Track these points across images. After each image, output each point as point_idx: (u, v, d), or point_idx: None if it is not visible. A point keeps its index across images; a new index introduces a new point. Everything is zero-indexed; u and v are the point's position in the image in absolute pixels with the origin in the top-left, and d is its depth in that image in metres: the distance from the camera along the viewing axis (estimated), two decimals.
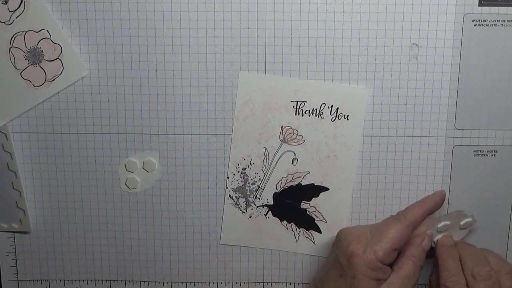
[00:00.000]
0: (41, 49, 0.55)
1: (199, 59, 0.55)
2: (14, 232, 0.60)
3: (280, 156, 0.57)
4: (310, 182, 0.57)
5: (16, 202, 0.58)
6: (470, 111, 0.55)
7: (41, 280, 0.61)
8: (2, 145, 0.57)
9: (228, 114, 0.56)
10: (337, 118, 0.56)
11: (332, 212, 0.58)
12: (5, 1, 0.54)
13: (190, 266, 0.60)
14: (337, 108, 0.56)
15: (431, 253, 0.54)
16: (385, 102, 0.55)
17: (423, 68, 0.54)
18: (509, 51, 0.54)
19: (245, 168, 0.57)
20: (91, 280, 0.61)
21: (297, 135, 0.56)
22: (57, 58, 0.55)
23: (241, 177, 0.58)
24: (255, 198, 0.58)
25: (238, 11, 0.54)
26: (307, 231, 0.59)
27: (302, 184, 0.57)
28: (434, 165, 0.56)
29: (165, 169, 0.58)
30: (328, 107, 0.56)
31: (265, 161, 0.57)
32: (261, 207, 0.58)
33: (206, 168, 0.58)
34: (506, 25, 0.53)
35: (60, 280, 0.61)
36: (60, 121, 0.57)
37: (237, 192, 0.58)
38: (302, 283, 0.60)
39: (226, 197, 0.58)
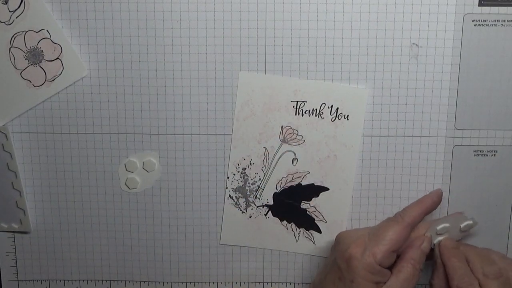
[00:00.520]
0: (41, 49, 0.55)
1: (199, 59, 0.55)
2: (14, 232, 0.60)
3: (280, 156, 0.57)
4: (310, 182, 0.57)
5: (16, 202, 0.58)
6: (470, 111, 0.55)
7: (41, 280, 0.61)
8: (2, 145, 0.57)
9: (228, 114, 0.56)
10: (337, 118, 0.56)
11: (332, 212, 0.58)
12: (5, 1, 0.54)
13: (190, 266, 0.60)
14: (337, 108, 0.56)
15: (430, 255, 0.54)
16: (385, 102, 0.55)
17: (423, 68, 0.54)
18: (509, 51, 0.54)
19: (245, 168, 0.57)
20: (91, 280, 0.61)
21: (297, 135, 0.56)
22: (57, 58, 0.55)
23: (241, 177, 0.58)
24: (255, 198, 0.58)
25: (238, 11, 0.54)
26: (307, 231, 0.59)
27: (302, 184, 0.57)
28: (434, 165, 0.56)
29: (165, 169, 0.58)
30: (328, 107, 0.56)
31: (265, 161, 0.57)
32: (261, 207, 0.58)
33: (206, 168, 0.58)
34: (506, 25, 0.53)
35: (60, 280, 0.61)
36: (60, 121, 0.57)
37: (237, 192, 0.58)
38: (302, 283, 0.60)
39: (226, 197, 0.58)
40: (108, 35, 0.55)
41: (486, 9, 0.53)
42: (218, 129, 0.57)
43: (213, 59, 0.55)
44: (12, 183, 0.58)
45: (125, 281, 0.61)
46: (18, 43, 0.55)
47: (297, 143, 0.57)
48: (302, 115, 0.56)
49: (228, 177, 0.58)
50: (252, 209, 0.58)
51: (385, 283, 0.51)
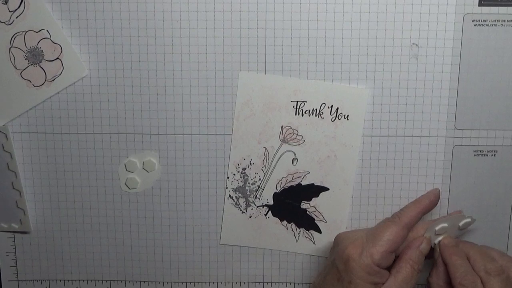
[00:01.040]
0: (41, 49, 0.55)
1: (199, 59, 0.55)
2: (14, 232, 0.60)
3: (280, 156, 0.57)
4: (310, 182, 0.57)
5: (16, 202, 0.58)
6: (470, 111, 0.55)
7: (41, 280, 0.61)
8: (2, 145, 0.57)
9: (228, 114, 0.56)
10: (337, 118, 0.56)
11: (332, 212, 0.58)
12: (5, 1, 0.54)
13: (190, 266, 0.60)
14: (337, 108, 0.56)
15: (429, 254, 0.54)
16: (385, 102, 0.55)
17: (423, 68, 0.54)
18: (509, 51, 0.54)
19: (245, 168, 0.57)
20: (91, 280, 0.61)
21: (297, 135, 0.56)
22: (57, 58, 0.55)
23: (241, 177, 0.58)
24: (255, 198, 0.58)
25: (238, 11, 0.54)
26: (307, 231, 0.59)
27: (302, 184, 0.57)
28: (434, 165, 0.56)
29: (165, 169, 0.58)
30: (328, 107, 0.56)
31: (265, 161, 0.57)
32: (261, 207, 0.58)
33: (206, 168, 0.58)
34: (506, 25, 0.53)
35: (60, 280, 0.61)
36: (60, 121, 0.57)
37: (237, 192, 0.58)
38: (302, 283, 0.60)
39: (226, 197, 0.58)
40: (108, 35, 0.55)
41: (486, 9, 0.53)
42: (218, 129, 0.57)
43: (213, 59, 0.55)
44: (12, 183, 0.58)
45: (125, 281, 0.61)
46: (18, 43, 0.55)
47: (297, 143, 0.57)
48: (302, 115, 0.56)
49: (228, 177, 0.58)
50: (252, 209, 0.58)
51: (383, 284, 0.51)
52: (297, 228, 0.59)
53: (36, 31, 0.54)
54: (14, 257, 0.61)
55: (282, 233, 0.59)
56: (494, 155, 0.56)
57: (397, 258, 0.53)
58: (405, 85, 0.55)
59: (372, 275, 0.50)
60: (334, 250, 0.54)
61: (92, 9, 0.54)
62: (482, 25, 0.53)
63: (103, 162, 0.58)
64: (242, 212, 0.59)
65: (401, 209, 0.55)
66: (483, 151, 0.56)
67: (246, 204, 0.58)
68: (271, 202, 0.58)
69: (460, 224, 0.54)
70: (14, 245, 0.60)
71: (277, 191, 0.58)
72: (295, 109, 0.56)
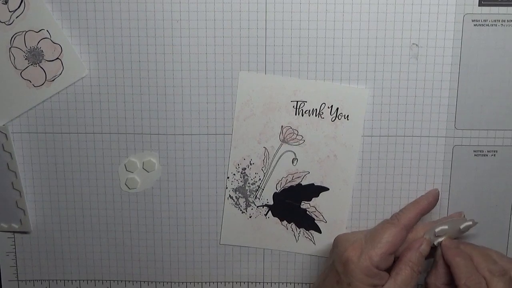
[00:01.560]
0: (41, 49, 0.55)
1: (199, 59, 0.55)
2: (14, 232, 0.60)
3: (280, 156, 0.57)
4: (310, 182, 0.57)
5: (16, 202, 0.58)
6: (470, 111, 0.55)
7: (41, 280, 0.61)
8: (2, 145, 0.57)
9: (228, 114, 0.56)
10: (337, 118, 0.56)
11: (332, 212, 0.58)
12: (5, 1, 0.54)
13: (190, 266, 0.60)
14: (337, 108, 0.56)
15: (429, 255, 0.54)
16: (385, 102, 0.55)
17: (423, 68, 0.54)
18: (509, 51, 0.54)
19: (245, 168, 0.57)
20: (91, 280, 0.61)
21: (297, 135, 0.56)
22: (57, 58, 0.55)
23: (241, 177, 0.58)
24: (255, 198, 0.58)
25: (238, 11, 0.54)
26: (307, 231, 0.59)
27: (302, 184, 0.57)
28: (434, 165, 0.56)
29: (165, 169, 0.58)
30: (328, 107, 0.56)
31: (265, 161, 0.57)
32: (261, 207, 0.58)
33: (206, 168, 0.58)
34: (506, 25, 0.53)
35: (60, 280, 0.61)
36: (60, 121, 0.57)
37: (237, 192, 0.58)
38: (302, 283, 0.60)
39: (226, 197, 0.58)
40: (108, 35, 0.55)
41: (486, 9, 0.53)
42: (218, 129, 0.57)
43: (213, 59, 0.55)
44: (12, 183, 0.58)
45: (125, 281, 0.61)
46: (18, 43, 0.55)
47: (297, 143, 0.57)
48: (302, 115, 0.56)
49: (228, 177, 0.58)
50: (252, 209, 0.58)
51: (383, 286, 0.51)
52: (297, 228, 0.59)
53: (36, 31, 0.54)
54: (14, 257, 0.61)
55: (282, 233, 0.59)
56: (494, 155, 0.56)
57: (396, 260, 0.53)
58: (405, 85, 0.55)
59: (372, 277, 0.50)
60: (333, 252, 0.54)
61: (92, 9, 0.54)
62: (482, 25, 0.53)
63: (103, 162, 0.58)
64: (242, 212, 0.59)
65: (400, 211, 0.55)
66: (483, 151, 0.56)
67: (246, 204, 0.58)
68: (271, 202, 0.58)
69: (461, 227, 0.54)
70: (14, 245, 0.60)
71: (277, 191, 0.58)
72: (295, 109, 0.56)
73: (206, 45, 0.55)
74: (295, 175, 0.57)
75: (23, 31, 0.54)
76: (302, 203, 0.58)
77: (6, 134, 0.56)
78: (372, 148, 0.56)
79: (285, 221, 0.59)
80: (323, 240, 0.59)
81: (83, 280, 0.61)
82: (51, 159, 0.58)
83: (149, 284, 0.61)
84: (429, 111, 0.55)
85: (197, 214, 0.59)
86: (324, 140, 0.56)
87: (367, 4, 0.53)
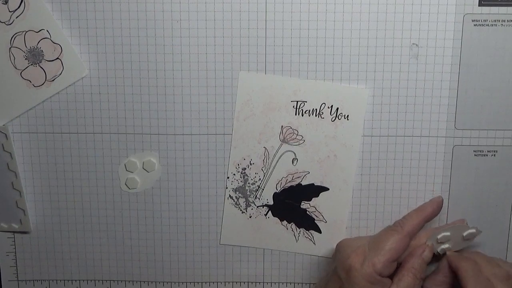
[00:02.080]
0: (41, 49, 0.55)
1: (199, 59, 0.55)
2: (14, 232, 0.60)
3: (280, 156, 0.57)
4: (310, 182, 0.57)
5: (16, 202, 0.58)
6: (470, 111, 0.55)
7: (41, 280, 0.61)
8: (2, 145, 0.57)
9: (228, 114, 0.56)
10: (337, 118, 0.56)
11: (332, 212, 0.58)
12: (5, 1, 0.54)
13: (190, 266, 0.60)
14: (337, 108, 0.56)
15: (432, 261, 0.54)
16: (385, 102, 0.55)
17: (423, 68, 0.54)
18: (509, 51, 0.54)
19: (245, 168, 0.57)
20: (91, 280, 0.61)
21: (297, 135, 0.56)
22: (57, 58, 0.55)
23: (241, 177, 0.58)
24: (255, 198, 0.58)
25: (238, 11, 0.54)
26: (307, 231, 0.59)
27: (302, 184, 0.57)
28: (434, 165, 0.56)
29: (165, 169, 0.58)
30: (328, 107, 0.56)
31: (265, 161, 0.57)
32: (261, 207, 0.58)
33: (206, 168, 0.58)
34: (506, 25, 0.53)
35: (60, 280, 0.61)
36: (60, 121, 0.57)
37: (237, 192, 0.58)
38: (302, 283, 0.60)
39: (226, 197, 0.58)
40: (108, 35, 0.55)
41: (486, 9, 0.53)
42: (218, 129, 0.57)
43: (213, 59, 0.55)
44: (12, 183, 0.58)
45: (125, 281, 0.61)
46: (18, 43, 0.55)
47: (297, 143, 0.57)
48: (302, 115, 0.56)
49: (228, 177, 0.58)
50: (252, 209, 0.58)
51: None
52: (297, 228, 0.59)
53: (36, 31, 0.54)
54: (14, 257, 0.61)
55: (282, 233, 0.59)
56: (494, 155, 0.56)
57: (399, 266, 0.53)
58: (405, 85, 0.55)
59: (374, 284, 0.50)
60: (336, 258, 0.54)
61: (92, 9, 0.54)
62: (482, 25, 0.53)
63: (103, 162, 0.58)
64: (242, 212, 0.59)
65: (403, 217, 0.55)
66: (483, 151, 0.56)
67: (246, 204, 0.58)
68: (271, 202, 0.58)
69: (464, 234, 0.54)
70: (14, 245, 0.60)
71: (277, 191, 0.58)
72: (295, 109, 0.56)
73: (206, 45, 0.55)
74: (295, 175, 0.57)
75: (23, 31, 0.54)
76: (302, 203, 0.58)
77: (6, 134, 0.56)
78: (372, 148, 0.56)
79: (285, 221, 0.59)
80: (323, 240, 0.59)
81: (83, 280, 0.61)
82: (51, 159, 0.58)
83: (149, 284, 0.61)
84: (429, 111, 0.55)
85: (197, 214, 0.59)
86: (324, 140, 0.56)
87: (367, 4, 0.53)
